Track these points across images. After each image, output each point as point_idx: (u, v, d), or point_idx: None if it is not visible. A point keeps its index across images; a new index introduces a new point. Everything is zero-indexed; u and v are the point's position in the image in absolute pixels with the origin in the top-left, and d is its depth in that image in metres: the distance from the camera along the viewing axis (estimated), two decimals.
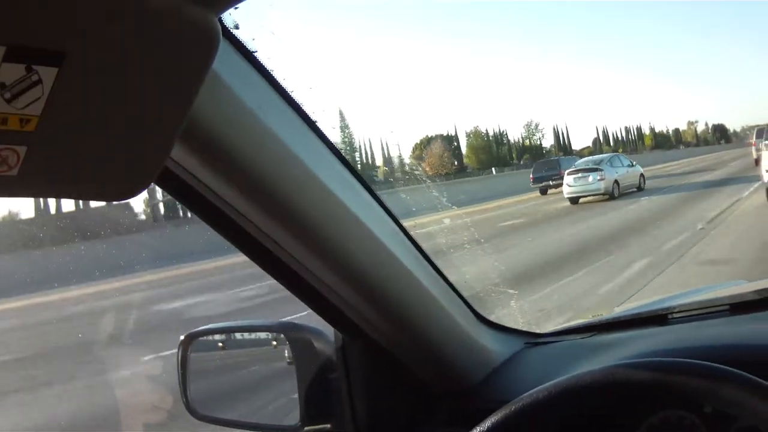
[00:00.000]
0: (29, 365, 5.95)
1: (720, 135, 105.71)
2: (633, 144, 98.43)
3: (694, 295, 1.55)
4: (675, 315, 1.14)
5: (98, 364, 5.40)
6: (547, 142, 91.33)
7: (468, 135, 78.15)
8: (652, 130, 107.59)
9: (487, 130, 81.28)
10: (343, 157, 0.81)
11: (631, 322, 1.20)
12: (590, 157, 22.38)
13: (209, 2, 0.51)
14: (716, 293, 1.44)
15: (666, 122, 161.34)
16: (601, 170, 17.33)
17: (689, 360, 0.78)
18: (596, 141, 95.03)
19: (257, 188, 0.70)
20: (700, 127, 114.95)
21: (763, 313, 1.05)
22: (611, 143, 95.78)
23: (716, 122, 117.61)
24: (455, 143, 73.49)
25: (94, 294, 9.15)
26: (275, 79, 0.73)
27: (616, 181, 17.32)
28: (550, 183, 22.96)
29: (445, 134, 73.52)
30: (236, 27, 0.69)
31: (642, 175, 19.25)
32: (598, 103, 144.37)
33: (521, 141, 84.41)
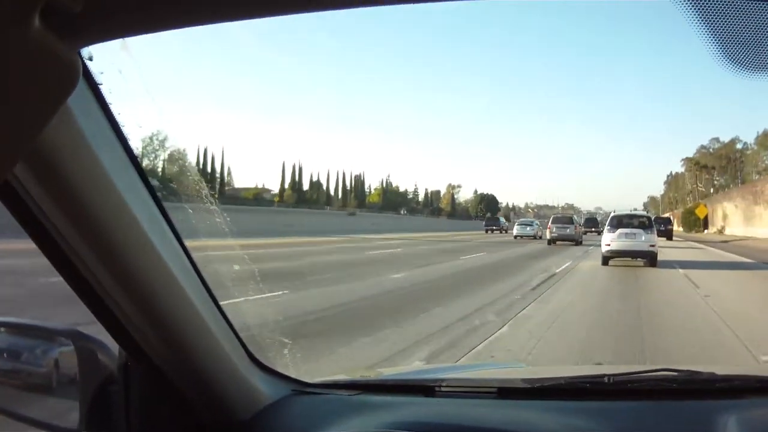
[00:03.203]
0: None
1: (486, 208, 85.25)
2: (348, 197, 73.28)
3: (467, 371, 1.67)
4: (443, 388, 1.20)
5: None
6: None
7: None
8: (387, 183, 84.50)
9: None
10: (152, 186, 0.88)
11: (399, 388, 1.27)
12: (525, 219, 46.32)
13: (73, 39, 0.57)
14: (488, 373, 1.56)
15: (414, 181, 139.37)
16: (532, 225, 38.31)
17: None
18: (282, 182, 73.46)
19: (75, 209, 0.77)
20: (465, 195, 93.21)
21: (529, 401, 1.14)
22: (304, 187, 72.72)
23: (485, 192, 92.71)
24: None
25: None
26: (111, 113, 0.80)
27: (538, 231, 36.21)
28: (494, 228, 49.88)
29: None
30: (90, 59, 0.75)
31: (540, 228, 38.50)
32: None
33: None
